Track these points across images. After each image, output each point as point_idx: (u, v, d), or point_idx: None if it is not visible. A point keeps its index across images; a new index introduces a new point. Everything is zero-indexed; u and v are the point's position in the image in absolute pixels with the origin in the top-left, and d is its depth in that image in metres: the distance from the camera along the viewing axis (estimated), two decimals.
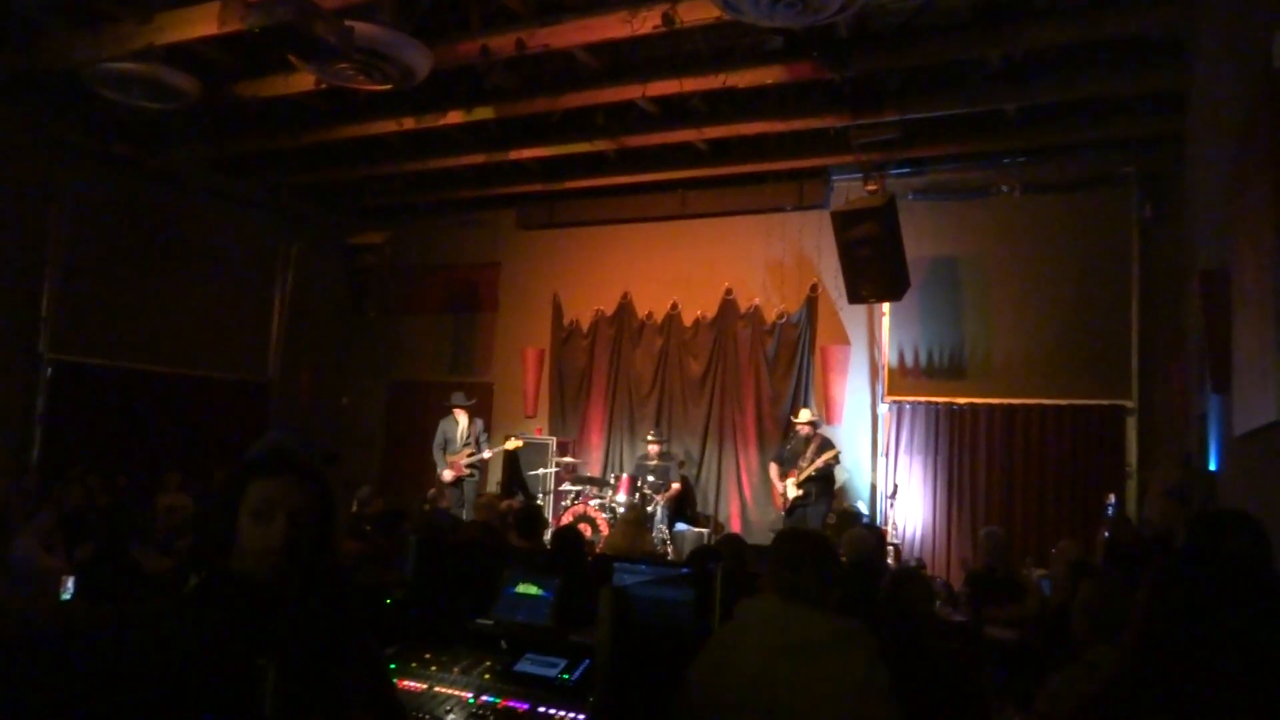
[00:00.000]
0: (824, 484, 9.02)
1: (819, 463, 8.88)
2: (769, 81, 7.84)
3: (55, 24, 7.43)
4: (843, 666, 2.45)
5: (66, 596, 3.57)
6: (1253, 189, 4.07)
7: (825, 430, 9.42)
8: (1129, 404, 8.75)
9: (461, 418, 10.17)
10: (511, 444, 10.18)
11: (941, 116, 8.52)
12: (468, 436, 10.08)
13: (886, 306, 9.61)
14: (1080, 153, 9.04)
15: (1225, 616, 1.49)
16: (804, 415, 9.30)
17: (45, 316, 9.49)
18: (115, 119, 9.11)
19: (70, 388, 9.70)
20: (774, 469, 9.39)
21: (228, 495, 1.77)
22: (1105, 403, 8.84)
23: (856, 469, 9.70)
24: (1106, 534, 6.53)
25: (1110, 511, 7.34)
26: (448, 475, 9.96)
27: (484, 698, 2.76)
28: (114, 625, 1.79)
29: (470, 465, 10.00)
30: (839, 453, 9.00)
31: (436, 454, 10.16)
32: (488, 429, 10.43)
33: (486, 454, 10.08)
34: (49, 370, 9.53)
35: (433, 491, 9.63)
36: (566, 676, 2.80)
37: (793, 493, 8.94)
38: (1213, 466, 5.77)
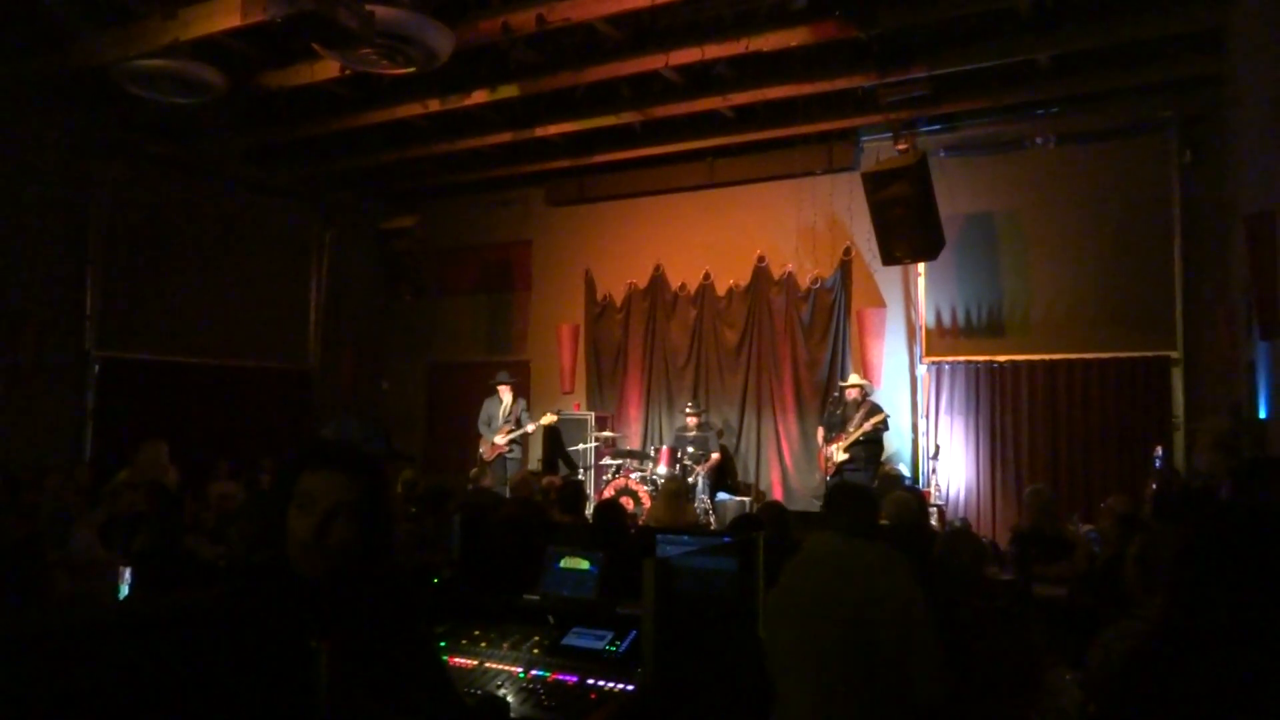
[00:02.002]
0: (872, 449, 8.97)
1: (867, 426, 8.82)
2: (793, 44, 7.72)
3: (83, 24, 7.52)
4: (892, 585, 3.05)
5: (124, 587, 3.67)
6: None
7: (874, 396, 9.35)
8: (1174, 354, 8.59)
9: (506, 396, 10.25)
10: (547, 419, 10.23)
11: (971, 70, 8.33)
12: (509, 414, 10.16)
13: (922, 267, 9.50)
14: (1116, 99, 8.81)
15: (1262, 565, 1.47)
16: (852, 379, 9.26)
17: (90, 314, 9.68)
18: (147, 116, 9.22)
19: (118, 383, 9.90)
20: (820, 433, 9.36)
21: (281, 485, 1.81)
22: (1150, 354, 8.69)
23: (897, 431, 9.61)
24: (1154, 487, 6.44)
25: (1158, 464, 7.23)
26: (487, 453, 10.06)
27: (534, 671, 2.79)
28: (171, 615, 1.84)
29: (511, 442, 10.08)
30: (887, 417, 8.94)
31: (482, 430, 10.28)
32: (527, 407, 10.50)
33: (530, 428, 10.14)
34: (96, 367, 9.73)
35: (475, 470, 9.72)
36: (614, 648, 2.83)
37: (840, 457, 8.89)
38: (1262, 415, 5.66)
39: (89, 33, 7.54)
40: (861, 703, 2.96)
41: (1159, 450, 7.41)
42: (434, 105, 8.97)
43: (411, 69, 6.63)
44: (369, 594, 1.81)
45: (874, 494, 3.75)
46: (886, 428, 9.00)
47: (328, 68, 7.76)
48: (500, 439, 10.04)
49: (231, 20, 6.75)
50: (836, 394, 9.49)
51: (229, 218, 11.01)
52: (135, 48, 7.19)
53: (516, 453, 10.14)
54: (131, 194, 10.04)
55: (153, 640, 1.87)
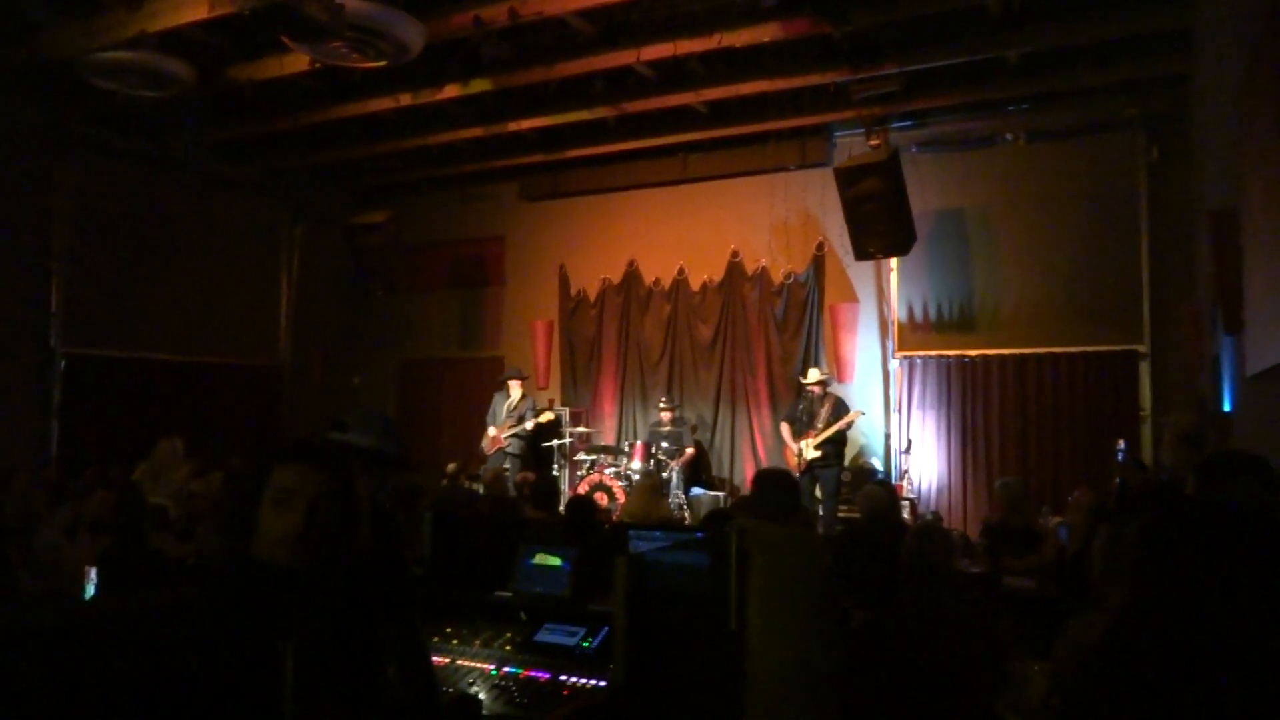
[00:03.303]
0: (840, 445, 9.01)
1: (840, 424, 8.83)
2: (766, 39, 7.73)
3: (47, 15, 7.40)
4: (803, 559, 3.49)
5: (90, 586, 3.62)
6: (1260, 124, 4.02)
7: (836, 388, 9.40)
8: (1141, 348, 8.71)
9: (515, 391, 10.21)
10: (546, 417, 10.17)
11: (942, 67, 8.39)
12: (513, 410, 10.12)
13: (894, 262, 9.56)
14: (1085, 97, 8.91)
15: (1219, 557, 1.49)
16: (813, 375, 9.23)
17: (55, 311, 9.52)
18: (113, 109, 9.08)
19: (84, 380, 9.74)
20: (785, 429, 9.28)
21: (252, 481, 1.80)
22: (1117, 348, 8.81)
23: (870, 425, 9.69)
24: (1118, 479, 6.52)
25: (1121, 457, 7.32)
26: (486, 446, 10.06)
27: (506, 669, 2.79)
28: (136, 617, 1.83)
29: (512, 437, 10.03)
30: (860, 414, 8.98)
31: (489, 422, 10.27)
32: (535, 404, 10.39)
33: (529, 424, 10.09)
34: (62, 364, 9.58)
35: (451, 467, 9.68)
36: (586, 645, 2.83)
37: (810, 454, 8.91)
38: (1226, 408, 5.75)
39: (53, 24, 7.42)
40: (785, 666, 3.33)
41: (1121, 443, 7.49)
42: (405, 99, 8.91)
43: (382, 63, 6.57)
44: (344, 585, 1.80)
45: (790, 477, 4.41)
46: (853, 424, 9.06)
47: (297, 61, 7.67)
48: (504, 434, 10.01)
49: (199, 12, 6.66)
50: (806, 390, 9.50)
51: (197, 213, 10.85)
52: (101, 40, 7.07)
53: (515, 447, 10.07)
54: (97, 189, 9.88)
55: (120, 639, 1.85)
